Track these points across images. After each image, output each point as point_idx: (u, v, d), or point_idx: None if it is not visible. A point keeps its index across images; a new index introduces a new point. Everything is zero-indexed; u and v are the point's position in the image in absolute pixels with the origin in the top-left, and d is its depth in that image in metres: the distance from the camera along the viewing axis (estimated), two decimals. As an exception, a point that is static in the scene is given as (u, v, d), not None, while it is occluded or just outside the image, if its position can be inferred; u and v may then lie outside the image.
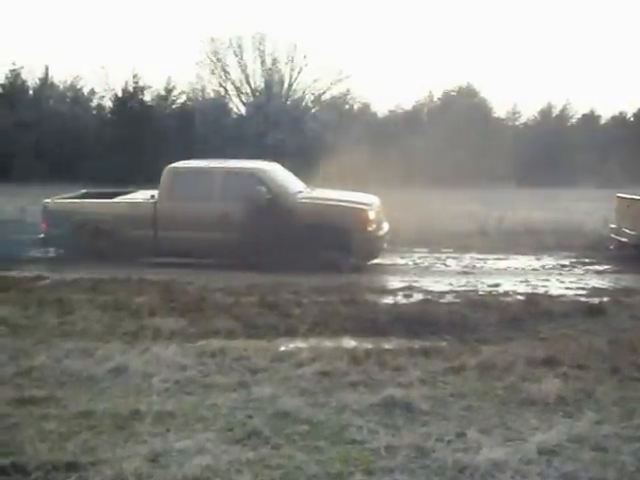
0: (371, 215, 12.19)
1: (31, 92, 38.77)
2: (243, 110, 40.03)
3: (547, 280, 11.51)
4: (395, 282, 11.22)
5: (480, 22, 57.48)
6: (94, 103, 39.38)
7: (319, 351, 6.93)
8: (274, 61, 38.70)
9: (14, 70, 38.34)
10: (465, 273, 12.22)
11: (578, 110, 42.14)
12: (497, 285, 10.82)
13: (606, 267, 12.93)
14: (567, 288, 10.86)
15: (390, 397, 5.49)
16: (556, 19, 58.93)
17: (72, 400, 5.56)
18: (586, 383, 6.00)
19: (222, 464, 4.39)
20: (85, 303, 8.91)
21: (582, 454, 4.64)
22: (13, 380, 6.06)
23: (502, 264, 13.27)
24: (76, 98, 39.06)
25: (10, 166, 31.29)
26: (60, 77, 39.84)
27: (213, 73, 39.23)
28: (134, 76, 36.52)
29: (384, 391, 5.63)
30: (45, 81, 38.77)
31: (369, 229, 12.10)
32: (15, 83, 38.57)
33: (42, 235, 12.85)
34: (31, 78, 38.77)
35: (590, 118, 41.74)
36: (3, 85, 38.72)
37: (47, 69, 38.47)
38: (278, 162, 14.08)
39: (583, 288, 10.83)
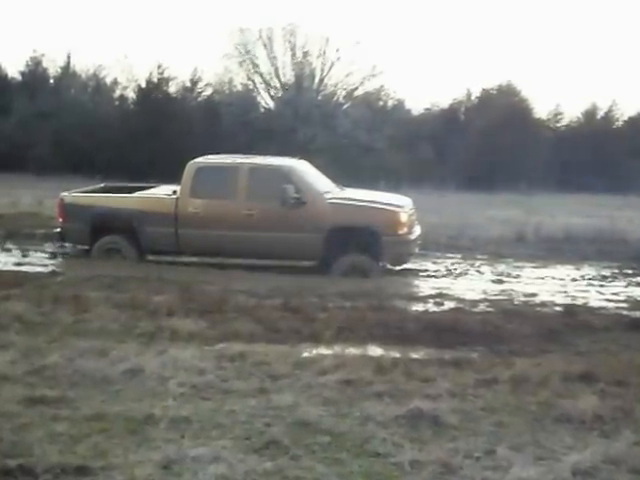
0: (403, 217, 12.14)
1: (52, 81, 39.14)
2: (272, 104, 40.11)
3: (587, 291, 11.44)
4: (426, 289, 11.20)
5: (523, 17, 57.21)
6: (116, 94, 39.66)
7: (343, 358, 6.91)
8: (305, 54, 38.68)
9: (35, 58, 38.79)
10: (500, 281, 12.18)
11: (625, 112, 41.79)
12: (534, 295, 10.75)
13: (651, 279, 12.80)
14: (608, 300, 10.76)
15: (417, 409, 5.44)
16: (603, 15, 58.44)
17: (84, 401, 5.59)
18: (625, 401, 5.90)
19: (238, 474, 4.38)
20: (101, 301, 8.96)
21: (618, 476, 4.57)
22: (24, 379, 6.09)
23: (539, 273, 13.18)
24: (98, 88, 39.38)
25: (28, 157, 31.62)
26: (82, 66, 40.00)
27: (241, 65, 39.33)
28: (159, 66, 36.68)
29: (411, 403, 5.58)
30: (67, 70, 39.10)
31: (400, 232, 12.05)
32: (35, 71, 38.97)
33: (58, 229, 12.96)
34: (52, 66, 39.21)
35: (637, 120, 41.28)
36: (23, 73, 39.16)
37: (69, 57, 38.83)
38: (307, 159, 14.06)
39: (625, 300, 10.74)
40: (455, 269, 13.38)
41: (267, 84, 39.78)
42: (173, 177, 13.48)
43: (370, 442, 4.95)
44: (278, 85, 39.60)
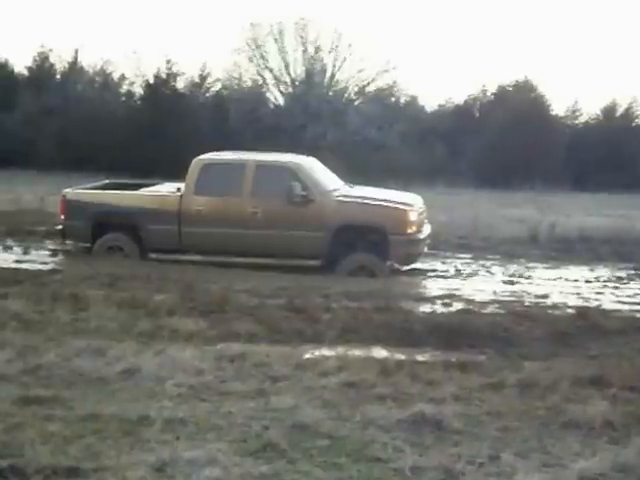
0: (412, 216, 12.10)
1: (58, 77, 39.23)
2: (281, 101, 40.05)
3: (601, 293, 11.35)
4: (434, 289, 11.18)
5: (541, 12, 56.99)
6: (124, 89, 39.72)
7: (346, 360, 6.89)
8: (317, 49, 38.55)
9: (42, 53, 38.91)
10: (511, 282, 12.12)
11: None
12: (545, 296, 10.68)
13: (667, 281, 12.70)
14: (622, 302, 10.70)
15: (420, 413, 5.40)
16: (623, 11, 58.15)
17: (79, 402, 5.58)
18: (637, 407, 5.84)
19: (233, 477, 4.36)
20: (100, 300, 8.96)
21: (627, 484, 4.53)
22: (19, 378, 6.10)
23: (552, 274, 13.10)
24: (105, 84, 39.42)
25: (32, 153, 31.68)
26: (90, 62, 40.05)
27: (251, 61, 39.25)
28: (167, 62, 36.68)
29: (414, 406, 5.54)
30: (74, 65, 39.19)
31: (409, 231, 12.00)
32: (42, 66, 39.09)
33: (60, 226, 12.97)
34: (59, 62, 39.28)
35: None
36: (30, 68, 39.30)
37: (76, 53, 38.89)
38: (317, 156, 14.02)
39: (640, 303, 10.66)
40: (465, 269, 13.32)
41: (277, 80, 39.72)
42: (179, 175, 13.47)
43: (370, 446, 4.92)
44: (288, 81, 39.54)
